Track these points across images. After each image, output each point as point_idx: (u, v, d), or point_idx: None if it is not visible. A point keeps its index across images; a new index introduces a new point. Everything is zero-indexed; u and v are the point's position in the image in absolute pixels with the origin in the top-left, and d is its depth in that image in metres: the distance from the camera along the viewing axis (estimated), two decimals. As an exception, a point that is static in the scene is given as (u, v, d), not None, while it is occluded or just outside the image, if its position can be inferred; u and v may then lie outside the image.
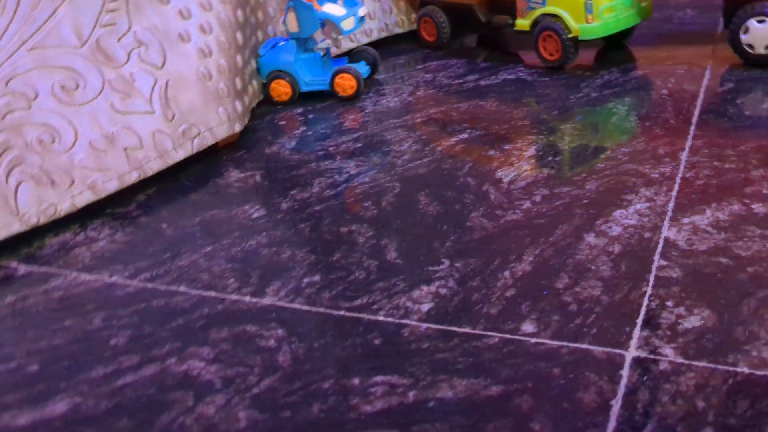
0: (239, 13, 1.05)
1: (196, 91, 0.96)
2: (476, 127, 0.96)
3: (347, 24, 1.08)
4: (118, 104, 0.90)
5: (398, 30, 1.35)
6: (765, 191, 0.70)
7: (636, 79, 1.01)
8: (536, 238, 0.69)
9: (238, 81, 1.03)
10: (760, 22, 0.96)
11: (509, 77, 1.10)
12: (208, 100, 0.97)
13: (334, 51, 1.24)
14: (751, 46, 0.97)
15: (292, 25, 1.10)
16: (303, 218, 0.80)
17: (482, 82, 1.11)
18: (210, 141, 0.97)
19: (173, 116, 0.94)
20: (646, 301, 0.58)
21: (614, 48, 1.14)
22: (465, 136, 0.94)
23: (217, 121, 0.98)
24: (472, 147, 0.90)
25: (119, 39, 0.91)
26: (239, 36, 1.04)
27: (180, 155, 0.94)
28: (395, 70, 1.22)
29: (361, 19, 1.11)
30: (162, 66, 0.94)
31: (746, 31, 0.97)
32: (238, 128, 1.00)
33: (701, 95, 0.93)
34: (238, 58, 1.03)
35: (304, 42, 1.12)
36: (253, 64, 1.12)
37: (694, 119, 0.87)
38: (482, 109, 1.01)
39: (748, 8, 0.96)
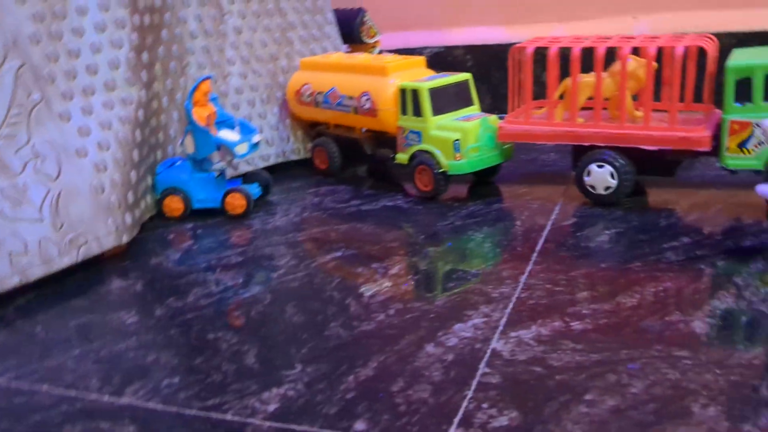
0: (138, 133, 1.13)
1: (88, 203, 1.02)
2: (351, 246, 1.04)
3: (240, 149, 1.18)
4: (8, 211, 0.94)
5: (294, 157, 1.46)
6: (584, 311, 0.80)
7: (496, 211, 1.13)
8: (383, 346, 0.76)
9: (130, 195, 1.09)
10: (599, 166, 1.10)
11: (388, 204, 1.21)
12: (98, 212, 1.03)
13: (230, 172, 1.33)
14: (593, 187, 1.12)
15: (189, 147, 1.18)
16: (174, 324, 0.84)
17: (363, 207, 1.21)
18: (96, 250, 1.02)
19: (61, 225, 0.98)
20: (465, 403, 0.65)
21: (484, 183, 1.27)
22: (339, 254, 1.02)
23: (105, 232, 1.03)
24: (344, 264, 0.98)
25: (17, 150, 0.97)
26: (135, 154, 1.12)
27: (65, 262, 0.98)
28: (288, 192, 1.32)
29: (255, 145, 1.21)
30: (57, 177, 1.00)
31: (588, 173, 1.11)
32: (125, 239, 1.06)
33: (548, 227, 1.05)
34: (133, 174, 1.10)
35: (200, 163, 1.20)
36: (149, 180, 1.19)
37: (538, 248, 0.98)
38: (359, 231, 1.10)
39: (590, 154, 1.11)
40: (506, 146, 1.22)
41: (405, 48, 1.87)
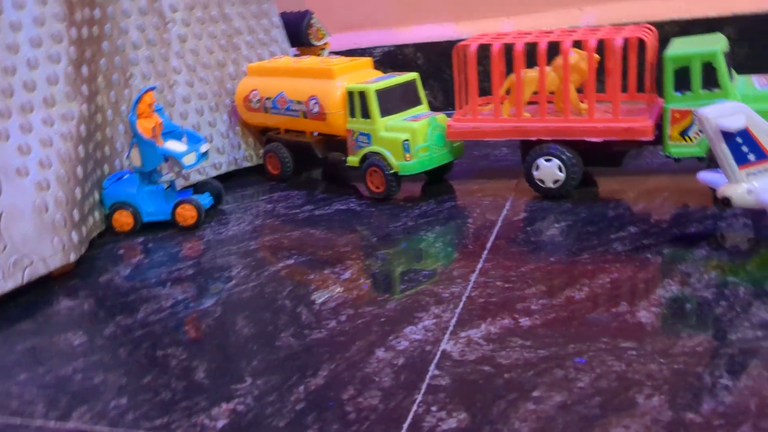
0: (81, 148, 1.11)
1: (31, 223, 1.00)
2: (303, 253, 1.04)
3: (188, 159, 1.17)
4: (-54, 236, 0.92)
5: (246, 164, 1.45)
6: (533, 307, 0.81)
7: (448, 210, 1.14)
8: (334, 354, 0.76)
9: (76, 213, 1.07)
10: (547, 160, 1.11)
11: (341, 207, 1.21)
12: (43, 231, 1.01)
13: (181, 183, 1.31)
14: (542, 181, 1.12)
15: (136, 160, 1.17)
16: (123, 343, 0.83)
17: (316, 212, 1.20)
18: (42, 271, 1.00)
19: (5, 247, 0.96)
20: (414, 407, 0.65)
21: (436, 182, 1.28)
22: (291, 261, 1.01)
23: (51, 251, 1.01)
24: (296, 272, 0.98)
25: (-46, 174, 0.95)
26: (80, 170, 1.10)
27: (9, 285, 0.96)
28: (241, 200, 1.30)
29: (204, 155, 1.20)
30: (-4, 199, 0.98)
31: (537, 168, 1.12)
32: (73, 258, 1.04)
33: (499, 223, 1.06)
34: (78, 191, 1.08)
35: (148, 175, 1.19)
36: (96, 196, 1.17)
37: (489, 245, 0.99)
38: (312, 236, 1.10)
39: (537, 148, 1.12)
40: (456, 144, 1.22)
41: (355, 48, 1.86)
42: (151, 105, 1.16)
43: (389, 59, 1.85)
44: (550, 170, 1.11)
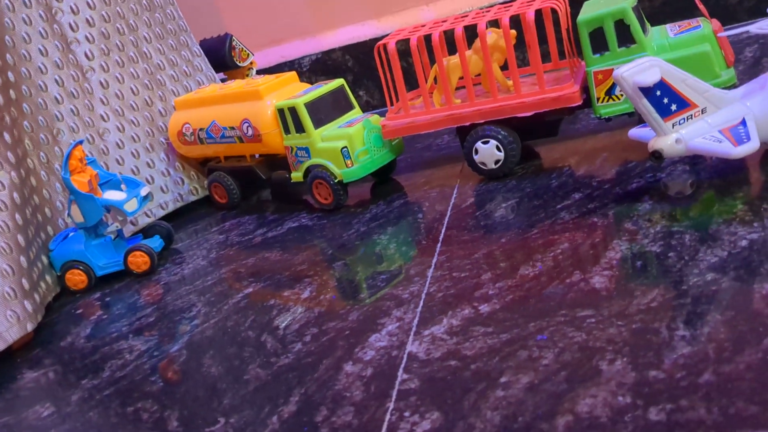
0: (18, 216, 1.08)
1: (-21, 301, 0.98)
2: (260, 279, 1.03)
3: (130, 206, 1.15)
4: None
5: (193, 197, 1.43)
6: (490, 292, 0.82)
7: (398, 208, 1.14)
8: (303, 377, 0.76)
9: (25, 281, 1.05)
10: (484, 143, 1.12)
11: (293, 225, 1.20)
12: (-7, 307, 0.99)
13: (130, 229, 1.30)
14: (483, 164, 1.13)
15: (77, 216, 1.15)
16: (92, 406, 0.82)
17: (269, 234, 1.20)
18: (1, 346, 0.98)
19: (-44, 331, 0.94)
20: (388, 416, 0.65)
21: (384, 182, 1.28)
22: (250, 290, 1.01)
23: (7, 325, 0.99)
24: (256, 300, 0.97)
25: None
26: (20, 238, 1.08)
27: (-32, 368, 0.94)
28: (194, 235, 1.29)
29: (145, 198, 1.18)
30: (-61, 284, 0.95)
31: (476, 151, 1.13)
32: (30, 328, 1.02)
33: (448, 214, 1.06)
34: (23, 259, 1.06)
35: (93, 229, 1.17)
36: (44, 259, 1.15)
37: (441, 237, 0.99)
38: (267, 260, 1.09)
39: (473, 132, 1.13)
40: (395, 141, 1.23)
41: (283, 62, 1.86)
42: (83, 159, 1.15)
43: (319, 67, 1.84)
44: (489, 152, 1.12)
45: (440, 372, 0.70)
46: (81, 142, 1.14)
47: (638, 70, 0.81)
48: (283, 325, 0.88)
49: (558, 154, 1.17)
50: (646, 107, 0.82)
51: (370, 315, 0.84)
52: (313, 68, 1.85)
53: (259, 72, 1.72)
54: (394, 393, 0.68)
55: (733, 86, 1.00)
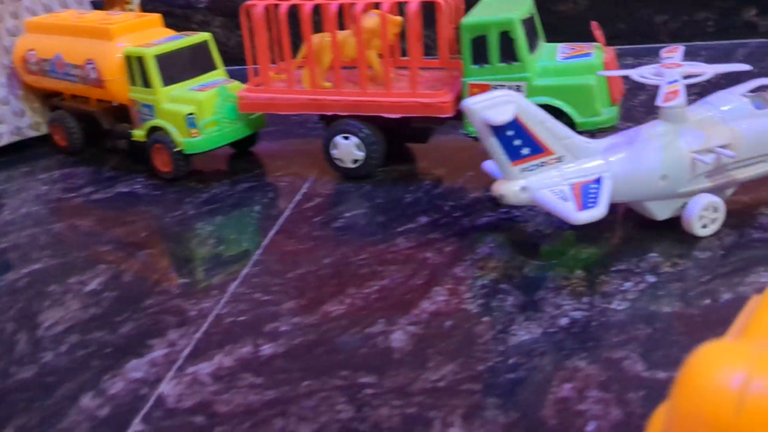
0: None
1: None
2: (56, 254, 0.90)
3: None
4: None
5: (33, 133, 1.27)
6: (283, 328, 0.71)
7: (239, 194, 1.01)
8: (32, 402, 0.64)
9: None
10: (345, 138, 1.00)
11: (124, 190, 1.06)
12: None
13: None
14: (341, 160, 1.01)
15: None
16: None
17: (94, 196, 1.06)
18: None
19: None
20: (94, 482, 0.55)
21: (242, 154, 1.15)
22: (38, 266, 0.87)
23: None
24: (38, 280, 0.84)
25: None
26: None
27: None
28: (14, 180, 1.14)
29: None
30: None
31: (335, 146, 1.01)
32: None
33: (287, 213, 0.95)
34: None
35: None
36: None
37: (265, 242, 0.88)
38: (75, 230, 0.96)
39: (334, 125, 1.01)
40: (254, 116, 1.09)
41: (185, 2, 1.67)
42: None
43: (219, 6, 1.67)
44: (348, 149, 1.00)
45: (180, 429, 0.59)
46: None
47: (490, 104, 0.70)
48: (49, 323, 0.76)
49: (427, 162, 1.06)
50: (493, 147, 0.72)
51: (144, 331, 0.73)
52: (213, 7, 1.67)
53: (147, 10, 1.53)
54: (117, 448, 0.58)
55: (611, 128, 0.90)
